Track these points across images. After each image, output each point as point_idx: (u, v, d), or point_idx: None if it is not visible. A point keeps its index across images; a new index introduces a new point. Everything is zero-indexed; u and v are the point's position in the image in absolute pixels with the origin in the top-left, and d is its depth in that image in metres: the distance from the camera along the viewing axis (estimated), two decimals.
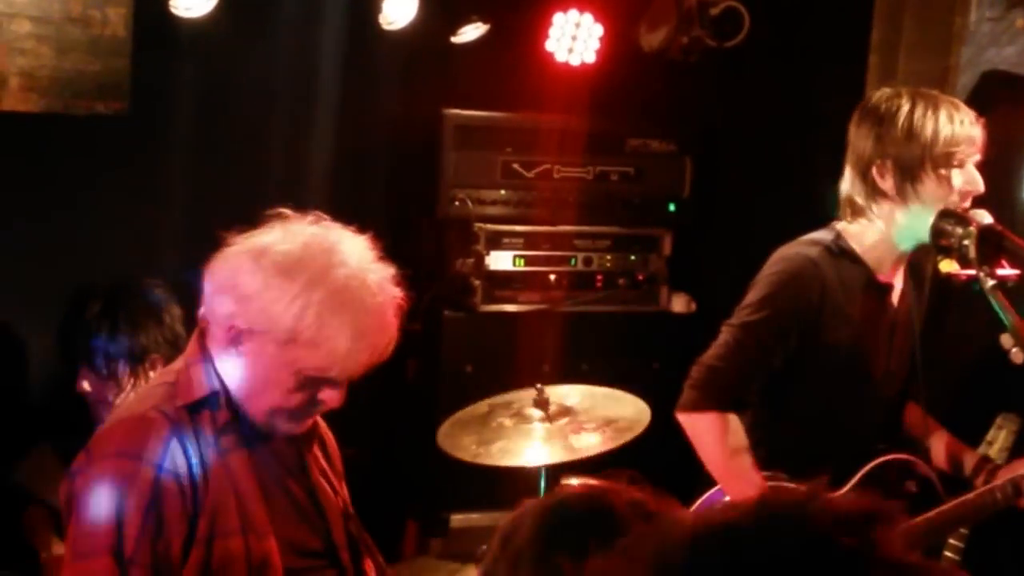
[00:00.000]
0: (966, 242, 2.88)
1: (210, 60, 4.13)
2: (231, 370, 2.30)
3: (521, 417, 3.47)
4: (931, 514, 3.08)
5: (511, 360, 4.30)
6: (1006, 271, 2.85)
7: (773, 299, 3.05)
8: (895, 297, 3.18)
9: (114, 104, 4.04)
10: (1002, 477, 3.10)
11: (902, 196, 3.03)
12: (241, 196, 4.08)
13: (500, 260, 4.54)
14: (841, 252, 3.10)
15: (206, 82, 4.14)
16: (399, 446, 4.22)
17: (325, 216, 2.36)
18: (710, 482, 3.14)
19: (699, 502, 3.15)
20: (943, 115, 3.01)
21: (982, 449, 3.32)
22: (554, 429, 3.43)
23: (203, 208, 4.12)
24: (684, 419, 3.11)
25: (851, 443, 3.16)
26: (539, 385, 3.51)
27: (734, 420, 3.08)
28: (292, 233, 2.30)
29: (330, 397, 2.31)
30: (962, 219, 2.93)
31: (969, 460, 3.26)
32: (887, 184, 3.03)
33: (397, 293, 2.31)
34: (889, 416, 3.27)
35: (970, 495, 3.08)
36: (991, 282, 2.83)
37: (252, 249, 2.27)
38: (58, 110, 3.98)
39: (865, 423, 3.19)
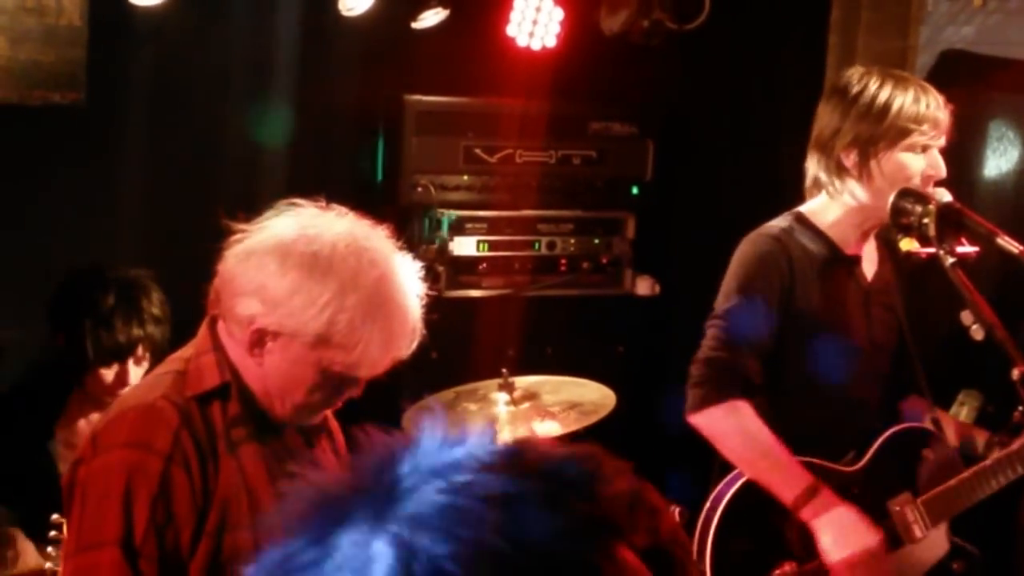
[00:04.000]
0: (926, 220, 2.89)
1: (167, 48, 4.09)
2: (252, 367, 2.25)
3: (486, 402, 3.47)
4: (951, 483, 3.07)
5: (476, 345, 4.30)
6: (965, 248, 2.87)
7: (746, 280, 3.07)
8: (867, 269, 3.20)
9: (70, 94, 4.00)
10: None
11: (864, 175, 3.05)
12: (200, 185, 4.07)
13: (464, 245, 4.54)
14: (803, 230, 3.12)
15: (163, 71, 4.10)
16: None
17: (335, 205, 2.30)
18: (723, 473, 3.12)
19: (713, 495, 3.11)
20: (909, 95, 3.02)
21: None
22: (519, 412, 3.44)
23: (161, 198, 4.10)
24: (696, 419, 3.03)
25: (853, 419, 3.15)
26: (504, 371, 3.51)
27: (746, 406, 3.01)
28: (314, 229, 2.22)
29: (353, 390, 2.29)
30: (921, 197, 2.95)
31: (980, 437, 3.24)
32: (850, 161, 3.05)
33: (421, 288, 2.27)
34: (887, 394, 3.25)
35: (987, 462, 3.05)
36: (951, 260, 2.85)
37: (276, 248, 2.19)
38: (13, 101, 3.93)
39: (861, 398, 3.18)
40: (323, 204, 2.28)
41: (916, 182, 3.00)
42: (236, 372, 2.27)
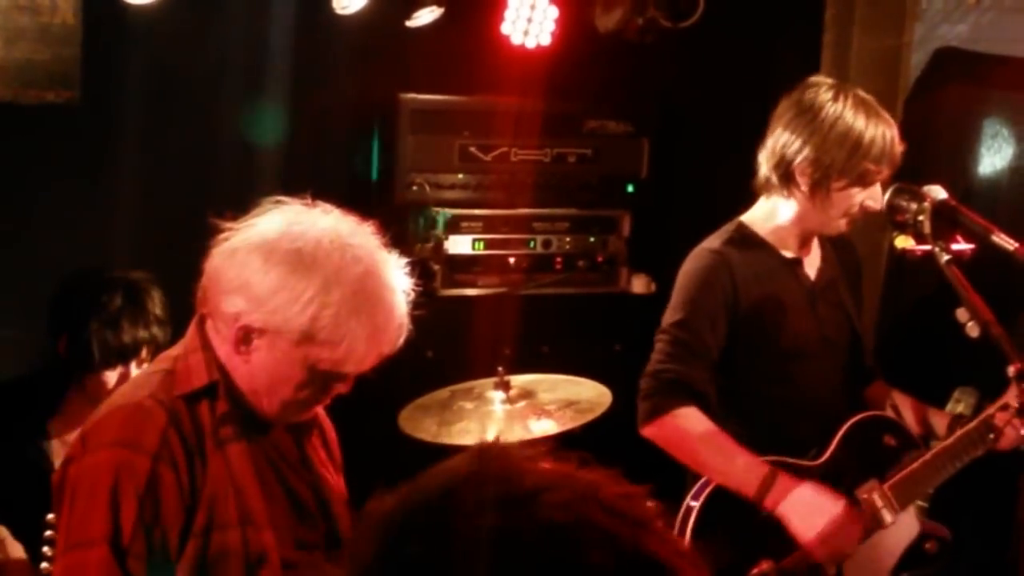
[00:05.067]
0: (921, 217, 2.91)
1: (161, 47, 4.08)
2: (240, 365, 2.25)
3: (482, 401, 3.47)
4: (915, 466, 3.13)
5: (472, 344, 4.29)
6: (961, 246, 2.88)
7: (690, 295, 3.14)
8: (809, 270, 3.27)
9: (65, 93, 3.99)
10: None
11: (813, 195, 3.11)
12: (194, 184, 4.06)
13: (459, 244, 4.53)
14: (743, 238, 3.20)
15: (157, 69, 4.09)
16: (360, 433, 4.21)
17: (321, 201, 2.30)
18: (697, 475, 3.14)
19: (694, 489, 3.14)
20: (878, 134, 3.06)
21: None
22: (515, 411, 3.43)
23: (155, 197, 4.09)
24: (648, 431, 3.11)
25: (814, 416, 3.19)
26: (500, 369, 3.50)
27: (694, 411, 3.08)
28: (299, 225, 2.22)
29: (341, 387, 2.30)
30: (917, 195, 2.97)
31: (940, 420, 3.30)
32: (804, 180, 3.10)
33: (407, 283, 2.28)
34: (848, 386, 3.32)
35: (948, 441, 3.12)
36: (946, 257, 2.86)
37: (261, 245, 2.20)
38: (7, 100, 3.92)
39: (822, 394, 3.23)
40: (309, 201, 2.28)
41: (854, 211, 3.09)
42: (224, 371, 2.27)
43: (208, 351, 2.28)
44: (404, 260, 2.29)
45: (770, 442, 3.12)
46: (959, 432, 3.13)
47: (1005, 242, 2.84)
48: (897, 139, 3.08)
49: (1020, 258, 2.82)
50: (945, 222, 2.90)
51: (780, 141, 3.13)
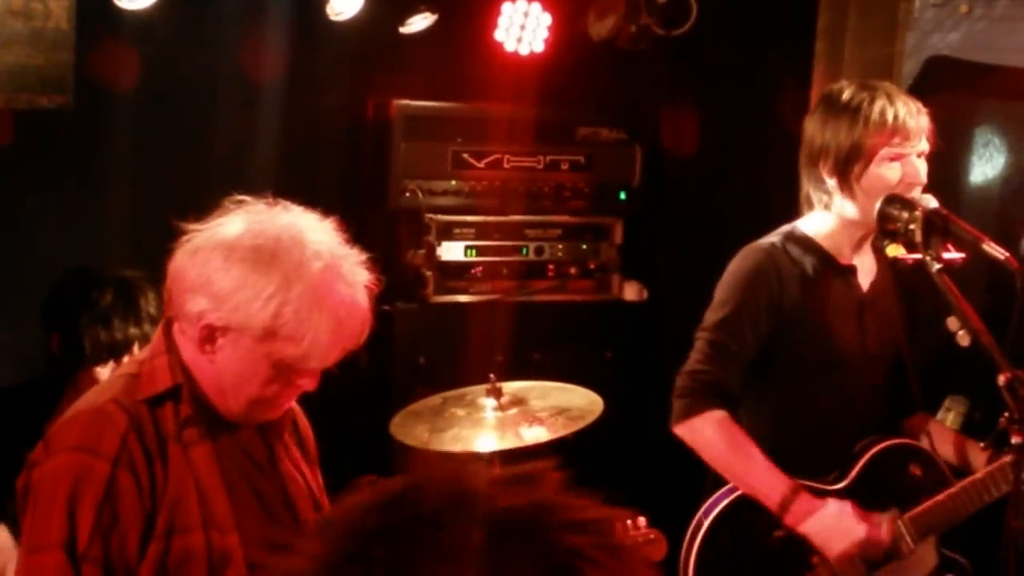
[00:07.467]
0: (912, 226, 2.90)
1: (154, 52, 4.08)
2: (205, 366, 2.27)
3: (474, 407, 3.47)
4: (937, 499, 3.09)
5: (464, 351, 4.29)
6: (952, 255, 2.88)
7: (735, 293, 3.10)
8: (862, 280, 3.20)
9: (58, 98, 3.99)
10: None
11: (844, 187, 3.07)
12: (187, 189, 4.04)
13: (451, 251, 4.54)
14: (797, 241, 3.15)
15: (150, 74, 4.09)
16: (352, 439, 4.21)
17: (281, 200, 2.32)
18: (717, 484, 3.14)
19: (706, 505, 3.13)
20: (875, 108, 3.04)
21: None
22: (506, 418, 3.43)
23: (149, 202, 4.09)
24: (680, 429, 3.10)
25: (841, 432, 3.17)
26: (492, 376, 3.50)
27: (727, 416, 3.07)
28: (259, 224, 2.25)
29: (307, 383, 2.31)
30: (908, 204, 2.96)
31: (978, 454, 3.20)
32: (831, 179, 3.07)
33: (368, 277, 2.29)
34: (880, 405, 3.26)
35: (977, 476, 3.05)
36: (937, 266, 2.86)
37: (221, 244, 2.22)
38: (0, 104, 3.92)
39: (852, 411, 3.19)
40: (270, 200, 2.30)
41: (898, 191, 3.01)
42: (189, 373, 2.29)
43: (173, 354, 2.29)
44: (364, 256, 2.30)
45: (792, 452, 3.10)
46: (988, 468, 3.05)
47: (996, 251, 2.84)
48: (908, 110, 3.03)
49: (1011, 267, 2.82)
50: (936, 231, 2.89)
51: (804, 148, 3.14)
